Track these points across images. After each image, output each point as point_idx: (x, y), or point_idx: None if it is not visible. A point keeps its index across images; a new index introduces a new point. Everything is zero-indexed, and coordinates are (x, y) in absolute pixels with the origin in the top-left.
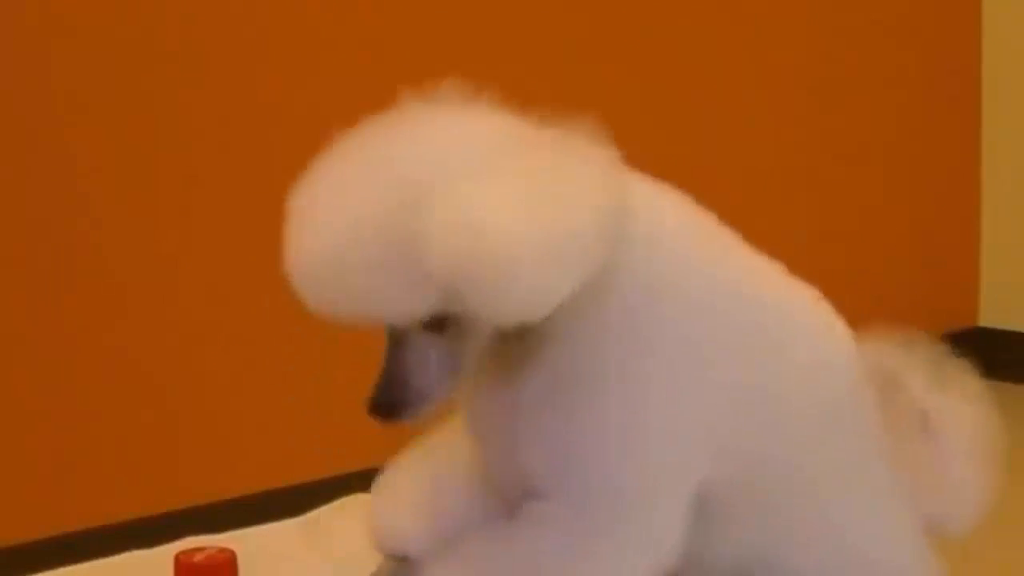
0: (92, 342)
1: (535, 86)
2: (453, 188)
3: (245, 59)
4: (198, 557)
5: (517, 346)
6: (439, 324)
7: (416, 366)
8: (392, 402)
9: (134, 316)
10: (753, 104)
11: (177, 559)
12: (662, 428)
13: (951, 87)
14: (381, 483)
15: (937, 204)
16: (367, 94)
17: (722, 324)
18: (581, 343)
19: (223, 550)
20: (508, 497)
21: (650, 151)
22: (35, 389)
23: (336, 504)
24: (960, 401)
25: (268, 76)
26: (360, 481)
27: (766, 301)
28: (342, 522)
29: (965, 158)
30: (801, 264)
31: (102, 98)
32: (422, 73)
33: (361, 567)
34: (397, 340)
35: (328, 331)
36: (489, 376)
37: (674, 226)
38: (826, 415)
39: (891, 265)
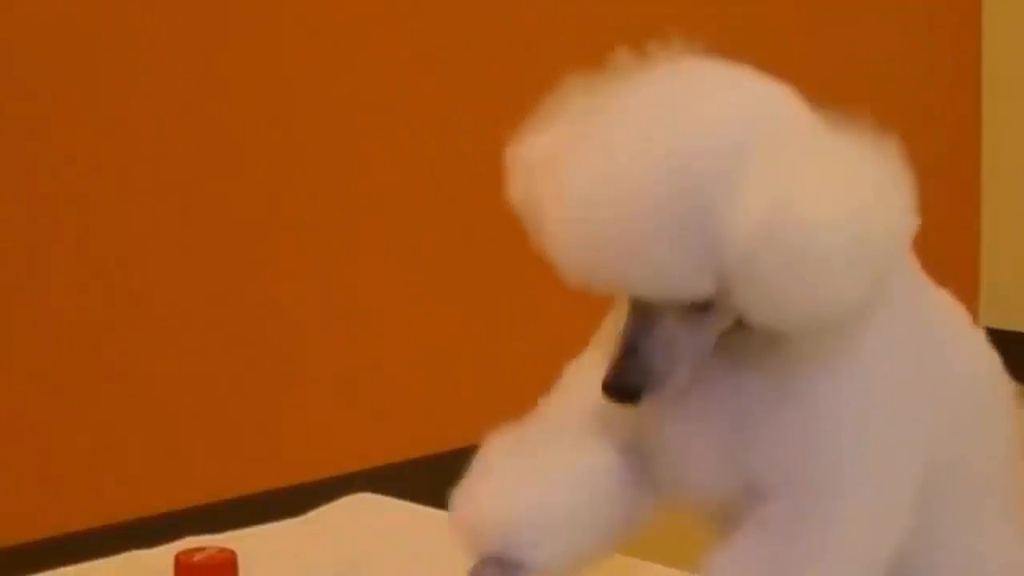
0: (92, 342)
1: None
2: (765, 167)
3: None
4: (198, 557)
5: (744, 334)
6: (697, 308)
7: (662, 349)
8: (632, 385)
9: (133, 316)
10: None
11: (177, 559)
12: (893, 424)
13: (951, 87)
14: (476, 479)
15: (937, 204)
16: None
17: (929, 338)
18: (819, 338)
19: (223, 550)
20: (702, 495)
21: None
22: (35, 389)
23: (336, 504)
24: None
25: (271, 76)
26: (360, 481)
27: (944, 306)
28: (342, 522)
29: (965, 158)
30: None
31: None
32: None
33: (361, 567)
34: (646, 318)
35: (328, 331)
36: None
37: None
38: (984, 420)
39: None
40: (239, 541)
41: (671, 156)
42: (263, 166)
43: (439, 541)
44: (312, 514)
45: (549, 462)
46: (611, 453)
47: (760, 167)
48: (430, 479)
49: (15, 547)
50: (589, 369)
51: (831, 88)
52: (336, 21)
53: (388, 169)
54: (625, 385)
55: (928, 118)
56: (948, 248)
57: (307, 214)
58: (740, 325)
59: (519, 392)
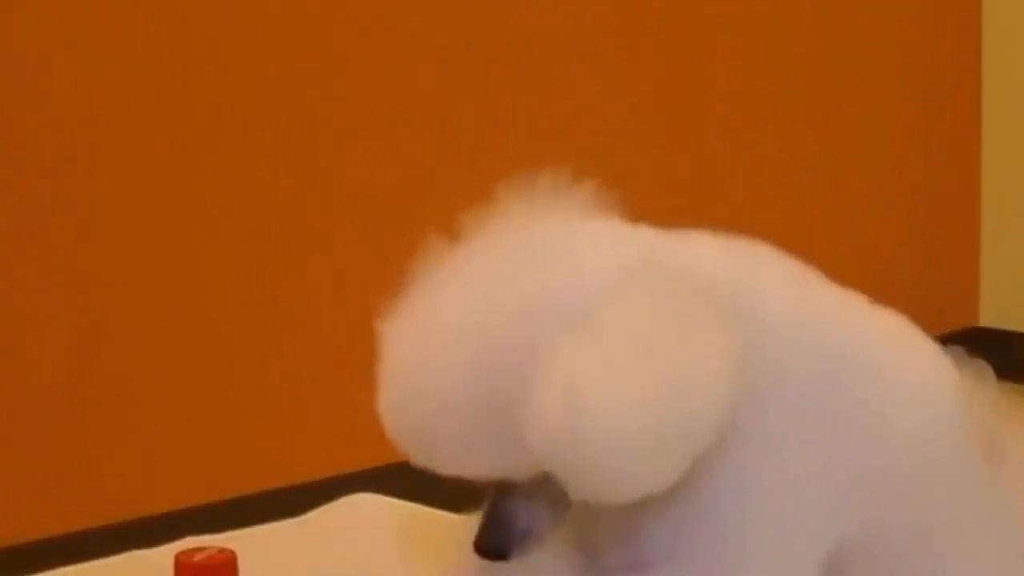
0: (92, 342)
1: (547, 91)
2: (557, 355)
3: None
4: (198, 557)
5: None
6: (544, 477)
7: (523, 509)
8: (499, 546)
9: (133, 316)
10: (752, 106)
11: (177, 559)
12: (782, 514)
13: (951, 87)
14: None
15: (937, 204)
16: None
17: (828, 405)
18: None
19: (223, 550)
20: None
21: (653, 151)
22: (35, 389)
23: (336, 504)
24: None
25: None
26: (360, 481)
27: (867, 365)
28: (342, 522)
29: (965, 159)
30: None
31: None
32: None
33: (361, 567)
34: (502, 483)
35: (327, 331)
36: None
37: (776, 307)
38: (935, 476)
39: (891, 265)
40: (239, 541)
41: (478, 337)
42: (263, 166)
43: (439, 541)
44: (312, 514)
45: None
46: None
47: (559, 360)
48: (430, 479)
49: (15, 547)
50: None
51: (832, 88)
52: (331, 19)
53: (388, 170)
54: (491, 547)
55: (928, 118)
56: (948, 248)
57: (307, 214)
58: None
59: None
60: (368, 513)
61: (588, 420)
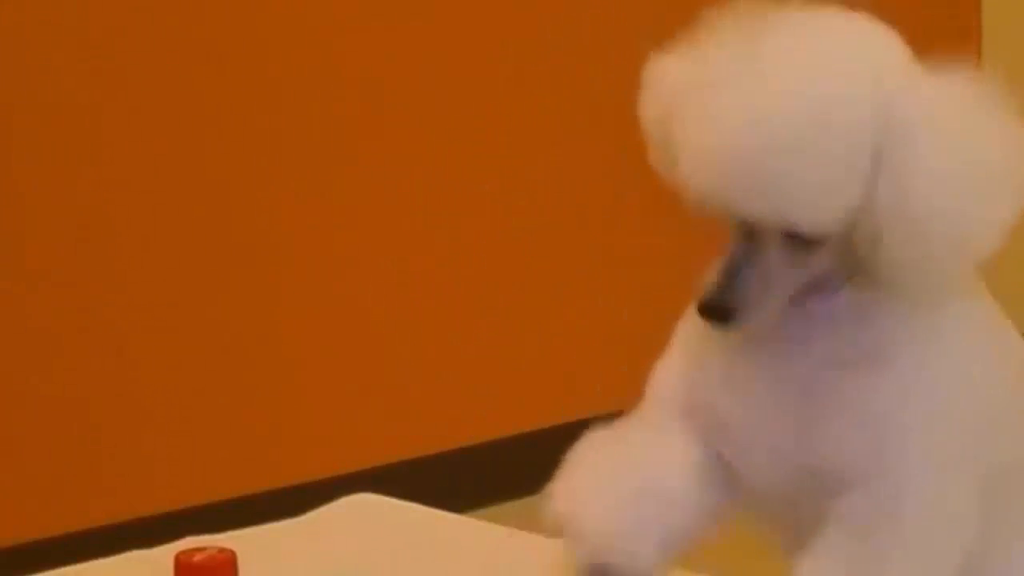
0: (91, 342)
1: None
2: (932, 132)
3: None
4: (198, 557)
5: (820, 307)
6: (803, 244)
7: (761, 277)
8: (726, 305)
9: (133, 316)
10: None
11: (177, 559)
12: (963, 419)
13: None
14: (574, 486)
15: None
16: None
17: (998, 346)
18: (902, 315)
19: (223, 550)
20: (775, 493)
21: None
22: (35, 389)
23: (336, 504)
24: None
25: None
26: (360, 481)
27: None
28: (342, 522)
29: None
30: None
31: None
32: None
33: (361, 567)
34: (750, 245)
35: (328, 332)
36: (774, 344)
37: None
38: None
39: None
40: (239, 541)
41: (827, 92)
42: (264, 167)
43: (439, 541)
44: (312, 514)
45: (642, 460)
46: (697, 449)
47: (928, 131)
48: (430, 479)
49: (15, 547)
50: (675, 370)
51: None
52: (332, 20)
53: (388, 170)
54: (720, 304)
55: None
56: None
57: (306, 215)
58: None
59: (519, 392)
60: (368, 513)
61: (970, 149)
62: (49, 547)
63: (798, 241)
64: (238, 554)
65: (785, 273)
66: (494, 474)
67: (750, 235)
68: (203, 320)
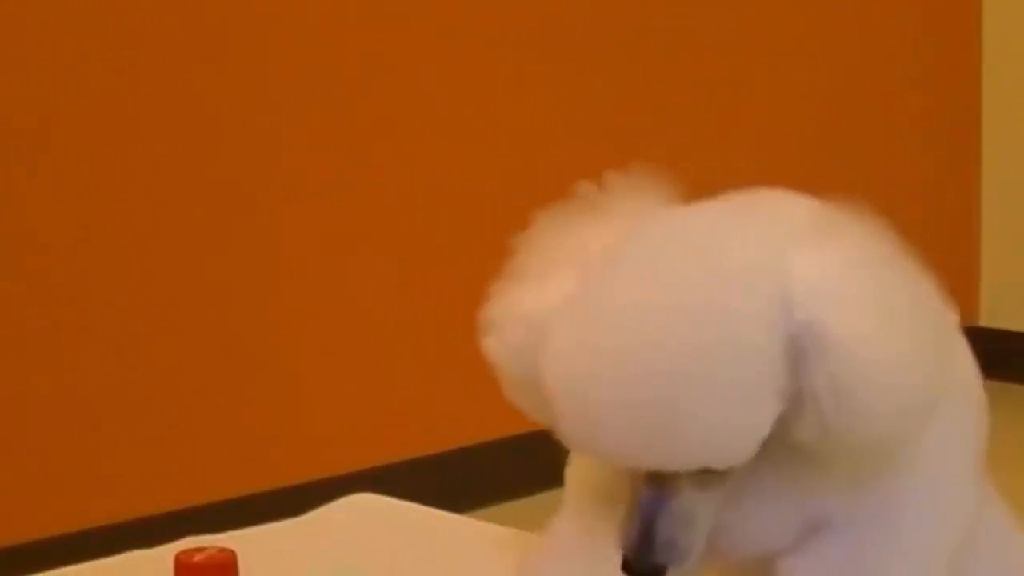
0: (91, 342)
1: (544, 90)
2: (808, 273)
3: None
4: (198, 557)
5: (799, 468)
6: (717, 473)
7: (682, 524)
8: (655, 566)
9: (134, 317)
10: (751, 106)
11: (177, 559)
12: (942, 554)
13: (951, 87)
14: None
15: (937, 204)
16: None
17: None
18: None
19: (223, 550)
20: (756, 552)
21: (654, 150)
22: (35, 389)
23: (336, 504)
24: None
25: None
26: (360, 481)
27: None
28: (342, 522)
29: (965, 158)
30: None
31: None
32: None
33: (361, 567)
34: (660, 488)
35: (328, 332)
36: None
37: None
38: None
39: None
40: (239, 541)
41: (709, 310)
42: (264, 169)
43: (439, 541)
44: (312, 514)
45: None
46: None
47: (837, 302)
48: (430, 479)
49: (15, 547)
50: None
51: (831, 88)
52: (332, 20)
53: (388, 171)
54: (647, 567)
55: (928, 118)
56: (948, 248)
57: (306, 216)
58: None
59: None
60: (368, 513)
61: (866, 349)
62: (49, 547)
63: (711, 472)
64: (238, 554)
65: (704, 507)
66: (494, 474)
67: (657, 483)
68: (203, 320)
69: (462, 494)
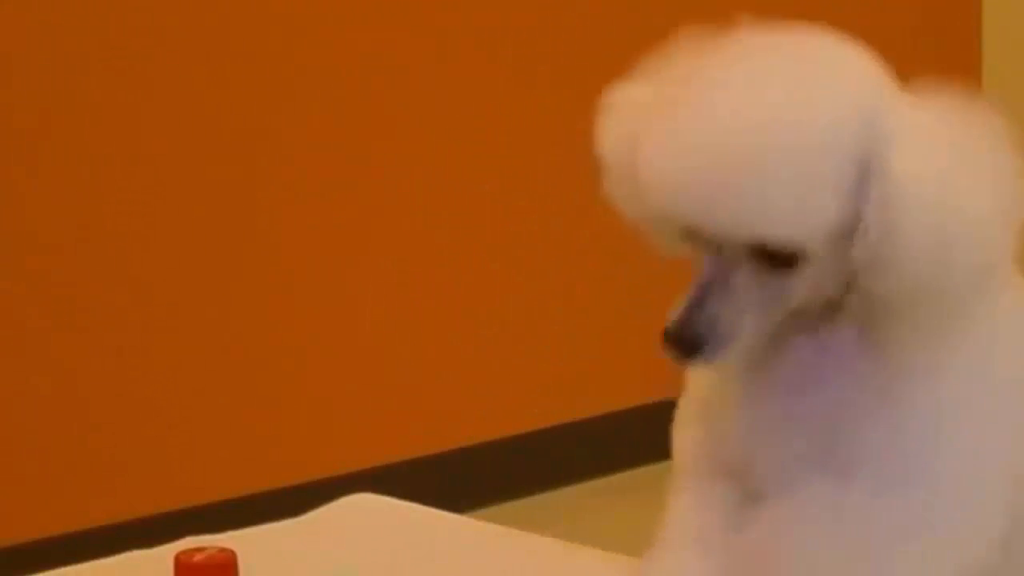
0: (92, 342)
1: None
2: (916, 137)
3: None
4: (198, 557)
5: (847, 316)
6: (778, 264)
7: (732, 302)
8: (693, 335)
9: (134, 317)
10: None
11: (177, 559)
12: (982, 425)
13: (950, 86)
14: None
15: None
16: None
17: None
18: (921, 331)
19: (223, 550)
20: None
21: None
22: (35, 389)
23: (336, 504)
24: None
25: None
26: (360, 481)
27: None
28: (342, 522)
29: None
30: None
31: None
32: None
33: (361, 567)
34: (720, 269)
35: (328, 332)
36: (788, 384)
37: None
38: None
39: None
40: (239, 541)
41: (797, 103)
42: (264, 167)
43: (439, 541)
44: (312, 514)
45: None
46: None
47: (912, 137)
48: (430, 479)
49: (15, 547)
50: (691, 432)
51: None
52: (333, 20)
53: (387, 171)
54: (686, 335)
55: None
56: None
57: (305, 216)
58: (829, 314)
59: (519, 392)
60: (368, 513)
61: (951, 203)
62: (49, 547)
63: (772, 262)
64: (238, 554)
65: (759, 298)
66: (494, 474)
67: (719, 261)
68: (203, 320)
69: (462, 494)
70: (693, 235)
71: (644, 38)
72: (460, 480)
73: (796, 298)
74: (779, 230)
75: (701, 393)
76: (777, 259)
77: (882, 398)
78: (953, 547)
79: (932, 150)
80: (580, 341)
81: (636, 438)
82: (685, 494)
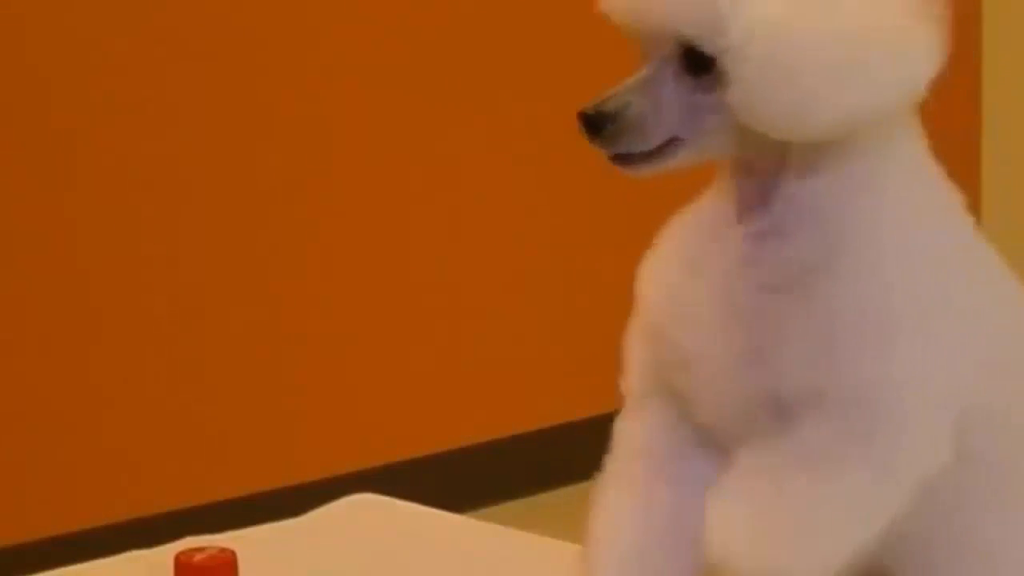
0: (92, 342)
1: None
2: None
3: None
4: (198, 557)
5: (769, 214)
6: (697, 69)
7: (649, 93)
8: (602, 117)
9: (133, 316)
10: None
11: (177, 559)
12: (926, 336)
13: (951, 87)
14: (591, 533)
15: None
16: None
17: (976, 276)
18: (851, 217)
19: (223, 550)
20: (729, 430)
21: None
22: (35, 389)
23: (337, 504)
24: None
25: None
26: (360, 481)
27: (998, 263)
28: (343, 522)
29: (965, 158)
30: None
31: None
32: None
33: (361, 567)
34: (649, 71)
35: (327, 332)
36: (725, 268)
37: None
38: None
39: None
40: (239, 541)
41: None
42: (262, 166)
43: (439, 541)
44: (313, 514)
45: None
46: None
47: None
48: (431, 479)
49: (15, 547)
50: (639, 325)
51: None
52: (334, 19)
53: (387, 171)
54: (597, 113)
55: (928, 118)
56: None
57: (305, 215)
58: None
59: (519, 392)
60: (368, 513)
61: (798, 27)
62: (49, 547)
63: (694, 70)
64: (238, 554)
65: (679, 106)
66: (494, 474)
67: (652, 67)
68: (203, 320)
69: (462, 494)
70: (631, 37)
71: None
72: (460, 480)
73: (717, 119)
74: (682, 20)
75: (648, 314)
76: (697, 65)
77: (806, 311)
78: (899, 468)
79: None
80: (580, 341)
81: None
82: (626, 422)
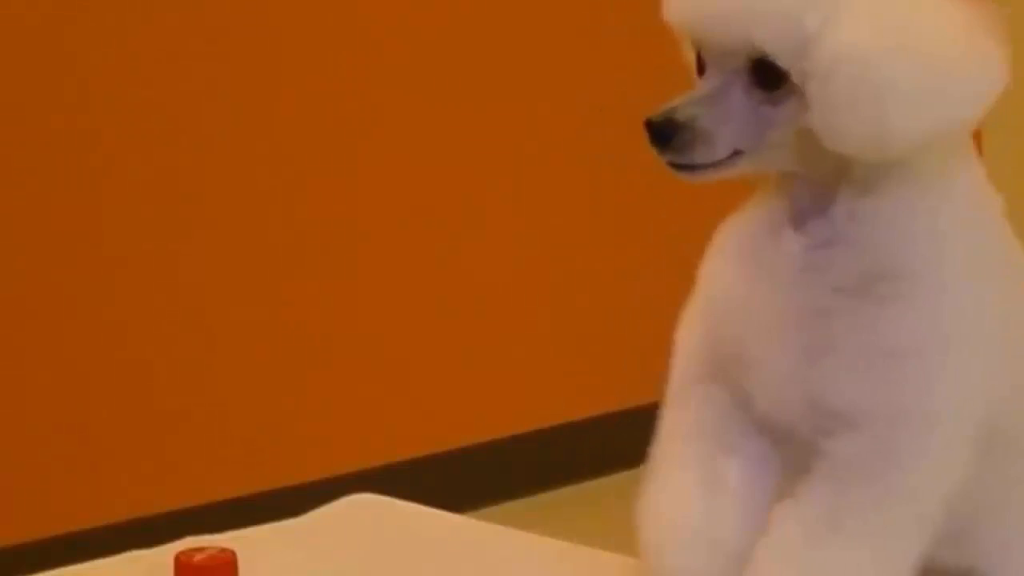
0: (93, 342)
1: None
2: None
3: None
4: (198, 557)
5: (828, 228)
6: (769, 84)
7: (717, 104)
8: (670, 128)
9: (134, 316)
10: None
11: (177, 559)
12: (969, 355)
13: None
14: (653, 514)
15: None
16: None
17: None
18: (910, 233)
19: (223, 550)
20: (784, 434)
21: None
22: (35, 389)
23: (337, 504)
24: None
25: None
26: (360, 481)
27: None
28: (343, 523)
29: None
30: None
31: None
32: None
33: (361, 567)
34: (716, 81)
35: (327, 331)
36: (789, 272)
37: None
38: None
39: None
40: (239, 541)
41: None
42: (262, 165)
43: (439, 541)
44: (313, 514)
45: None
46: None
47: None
48: (430, 479)
49: (15, 547)
50: (696, 320)
51: None
52: (337, 20)
53: (388, 171)
54: (665, 124)
55: None
56: None
57: (306, 216)
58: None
59: (519, 392)
60: (368, 513)
61: (878, 51)
62: (49, 547)
63: (763, 83)
64: (238, 554)
65: (745, 118)
66: (494, 474)
67: (719, 77)
68: (203, 320)
69: (462, 494)
70: (698, 47)
71: (639, 41)
72: (460, 480)
73: (781, 134)
74: (764, 37)
75: (708, 291)
76: (768, 79)
77: (862, 327)
78: (928, 489)
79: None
80: (580, 341)
81: (636, 438)
82: (679, 407)
